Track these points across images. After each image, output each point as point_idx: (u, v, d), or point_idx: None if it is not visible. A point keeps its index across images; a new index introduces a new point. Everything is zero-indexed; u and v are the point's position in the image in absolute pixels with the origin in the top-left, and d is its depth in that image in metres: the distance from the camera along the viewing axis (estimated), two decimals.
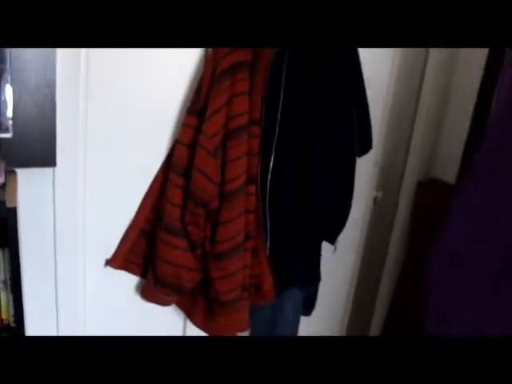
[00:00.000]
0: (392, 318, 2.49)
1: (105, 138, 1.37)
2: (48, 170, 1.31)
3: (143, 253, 1.52)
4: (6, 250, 1.14)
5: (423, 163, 2.41)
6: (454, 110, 2.38)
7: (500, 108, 1.57)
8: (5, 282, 1.17)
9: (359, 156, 1.65)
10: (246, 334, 1.65)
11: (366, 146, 1.70)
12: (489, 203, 1.46)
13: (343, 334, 2.41)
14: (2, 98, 1.22)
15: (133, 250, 1.51)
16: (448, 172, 2.35)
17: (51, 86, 1.22)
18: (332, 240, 1.64)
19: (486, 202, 1.46)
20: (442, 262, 1.59)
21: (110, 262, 1.49)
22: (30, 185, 1.30)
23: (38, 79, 1.21)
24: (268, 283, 1.53)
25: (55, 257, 1.40)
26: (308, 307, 1.79)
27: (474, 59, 2.16)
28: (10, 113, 1.20)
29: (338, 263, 2.07)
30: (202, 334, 1.59)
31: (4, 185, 1.15)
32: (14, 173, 1.25)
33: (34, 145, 1.24)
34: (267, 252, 1.50)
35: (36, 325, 1.38)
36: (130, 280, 1.57)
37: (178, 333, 1.73)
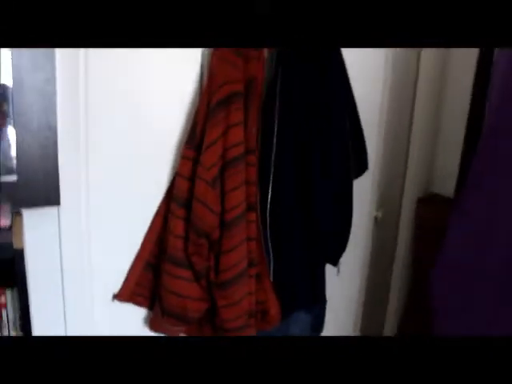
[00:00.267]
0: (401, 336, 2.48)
1: (106, 175, 1.41)
2: (53, 209, 1.34)
3: (150, 285, 1.54)
4: (15, 289, 1.16)
5: (422, 179, 2.44)
6: (447, 124, 2.41)
7: (490, 122, 1.60)
8: (15, 322, 1.19)
9: (356, 177, 1.68)
10: None
11: (362, 168, 1.73)
12: (485, 217, 1.47)
13: None
14: (7, 142, 1.26)
15: (139, 282, 1.53)
16: (447, 186, 2.38)
17: (53, 128, 1.26)
18: (335, 262, 1.66)
19: (483, 216, 1.48)
20: (443, 279, 1.60)
21: (117, 296, 1.51)
22: (35, 224, 1.32)
23: (40, 122, 1.25)
24: (274, 308, 1.55)
25: (63, 294, 1.42)
26: (316, 329, 1.79)
27: (465, 71, 2.20)
28: (13, 155, 1.24)
29: (343, 284, 2.08)
30: None
31: (10, 227, 1.18)
32: (19, 214, 1.28)
33: (38, 185, 1.28)
34: (271, 278, 1.52)
35: None
36: (138, 313, 1.58)
37: None
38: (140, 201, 1.48)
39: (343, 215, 1.63)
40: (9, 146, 1.28)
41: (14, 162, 1.24)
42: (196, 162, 1.38)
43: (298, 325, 1.67)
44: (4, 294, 1.18)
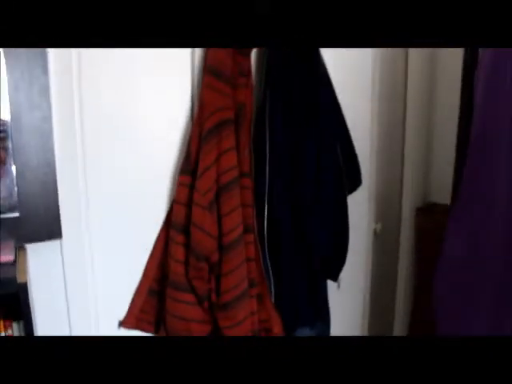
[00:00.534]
0: None
1: (106, 206, 1.44)
2: (55, 242, 1.38)
3: (154, 311, 1.56)
4: (21, 322, 1.19)
5: (419, 189, 2.46)
6: (440, 130, 2.43)
7: (476, 126, 1.61)
8: None
9: (350, 192, 1.71)
10: None
11: (355, 183, 1.76)
12: (478, 227, 1.49)
13: None
14: (9, 179, 1.30)
15: (144, 309, 1.55)
16: (444, 195, 2.39)
17: (51, 165, 1.30)
18: (335, 277, 1.69)
19: (476, 227, 1.50)
20: (443, 289, 1.62)
21: (123, 324, 1.53)
22: (39, 258, 1.36)
23: (38, 159, 1.29)
24: (277, 327, 1.57)
25: (69, 324, 1.45)
26: None
27: (453, 80, 2.22)
28: (15, 192, 1.28)
29: (347, 299, 2.09)
30: None
31: (14, 262, 1.22)
32: (23, 248, 1.32)
33: (39, 220, 1.32)
34: (272, 297, 1.55)
35: None
36: None
37: None
38: (140, 229, 1.52)
39: (339, 230, 1.65)
40: (12, 182, 1.32)
41: (16, 200, 1.28)
42: (192, 188, 1.42)
43: None
44: (11, 326, 1.21)
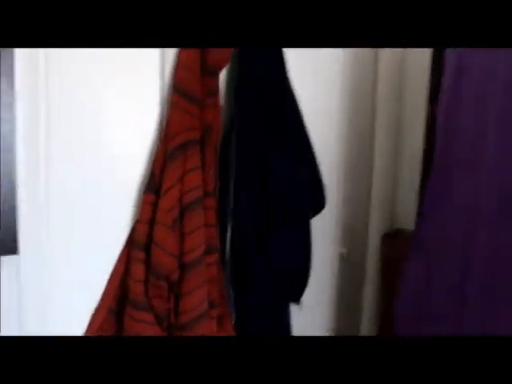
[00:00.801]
0: None
1: (67, 224, 1.42)
2: (12, 258, 1.35)
3: (113, 329, 1.53)
4: None
5: (385, 215, 2.49)
6: (407, 156, 2.47)
7: (436, 156, 1.64)
8: None
9: (314, 215, 1.73)
10: None
11: (318, 205, 1.78)
12: (439, 247, 1.52)
13: None
14: None
15: (102, 327, 1.52)
16: (410, 221, 2.43)
17: (12, 179, 1.29)
18: (297, 300, 1.69)
19: (437, 246, 1.52)
20: (405, 310, 1.64)
21: None
22: None
23: None
24: None
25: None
26: None
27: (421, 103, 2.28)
28: None
29: (311, 321, 2.09)
30: None
31: None
32: None
33: None
34: (233, 319, 1.54)
35: None
36: None
37: None
38: (101, 248, 1.49)
39: (302, 253, 1.67)
40: None
41: None
42: (155, 206, 1.42)
43: None
44: None
